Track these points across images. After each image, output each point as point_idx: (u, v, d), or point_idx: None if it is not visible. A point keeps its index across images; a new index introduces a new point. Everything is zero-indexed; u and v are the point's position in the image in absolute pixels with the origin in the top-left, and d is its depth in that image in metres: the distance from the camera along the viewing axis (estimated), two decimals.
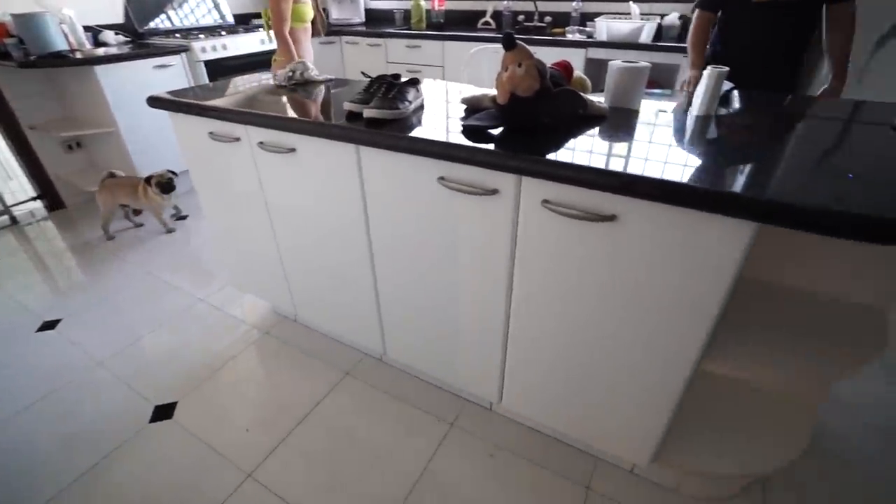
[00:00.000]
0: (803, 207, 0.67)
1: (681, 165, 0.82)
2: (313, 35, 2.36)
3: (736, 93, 1.37)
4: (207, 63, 2.86)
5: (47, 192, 2.87)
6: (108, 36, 2.77)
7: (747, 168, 0.82)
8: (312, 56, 2.42)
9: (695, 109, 1.14)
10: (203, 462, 1.35)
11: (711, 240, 0.78)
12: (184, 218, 2.78)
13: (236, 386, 1.62)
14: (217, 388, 1.61)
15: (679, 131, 1.03)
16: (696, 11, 1.84)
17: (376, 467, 1.33)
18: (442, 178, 1.00)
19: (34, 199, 2.86)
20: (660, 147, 0.92)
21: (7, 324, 1.93)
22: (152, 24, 3.08)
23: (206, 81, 2.83)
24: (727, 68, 1.10)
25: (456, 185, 0.98)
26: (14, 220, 2.77)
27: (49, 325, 1.92)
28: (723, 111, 1.17)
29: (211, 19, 3.43)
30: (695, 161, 0.86)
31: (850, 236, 0.66)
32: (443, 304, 1.24)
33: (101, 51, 2.60)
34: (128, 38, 2.88)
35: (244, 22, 3.60)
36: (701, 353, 0.91)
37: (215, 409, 1.53)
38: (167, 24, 3.17)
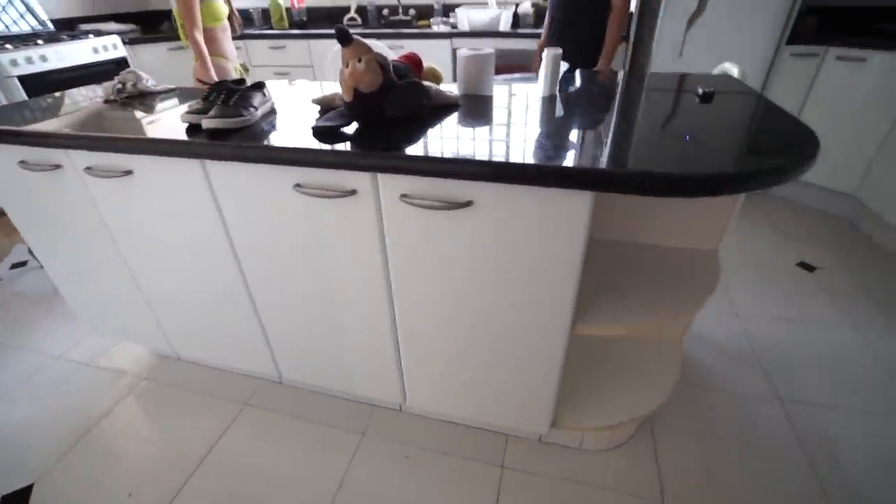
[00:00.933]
0: (627, 174, 0.74)
1: (527, 146, 0.87)
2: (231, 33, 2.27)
3: (578, 72, 1.48)
4: (23, 78, 2.42)
5: None
6: None
7: (584, 141, 0.89)
8: (234, 54, 2.32)
9: (539, 91, 1.21)
10: None
11: (559, 212, 0.83)
12: (22, 264, 2.35)
13: (112, 446, 1.41)
14: (88, 455, 1.39)
15: (526, 113, 1.08)
16: None
17: (290, 494, 1.25)
18: (298, 185, 0.95)
19: None
20: (508, 129, 0.96)
21: None
22: None
23: (24, 99, 2.40)
24: (561, 50, 1.18)
25: (313, 190, 0.94)
26: None
27: None
28: (565, 90, 1.26)
29: (26, 26, 2.91)
30: (539, 140, 0.91)
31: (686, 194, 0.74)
32: (327, 314, 1.19)
33: None
34: None
35: (69, 27, 3.12)
36: (571, 318, 0.97)
37: (87, 481, 1.32)
38: None
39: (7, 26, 2.83)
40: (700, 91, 1.14)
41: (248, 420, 1.48)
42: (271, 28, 3.34)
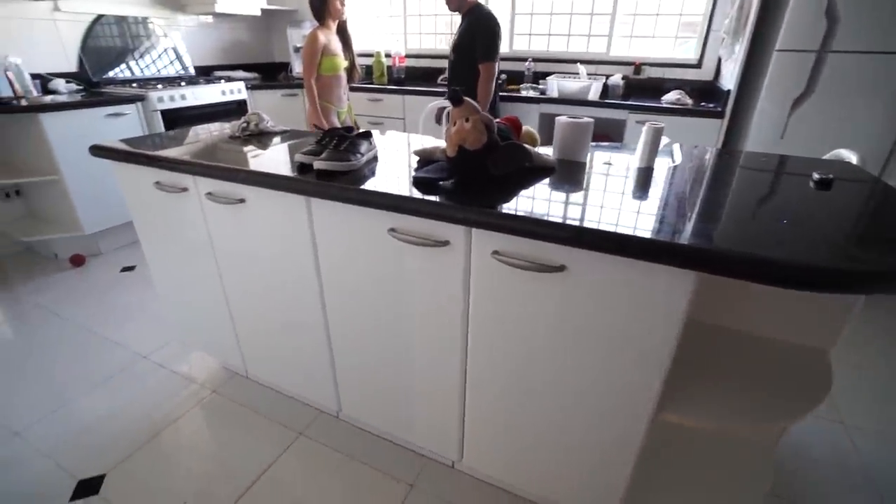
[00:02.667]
0: (743, 257, 0.70)
1: (625, 215, 0.85)
2: (349, 82, 2.69)
3: (676, 146, 1.46)
4: (165, 112, 2.82)
5: None
6: (59, 84, 2.71)
7: (688, 217, 0.85)
8: (346, 101, 2.71)
9: (636, 161, 1.20)
10: None
11: (658, 289, 0.79)
12: (130, 269, 2.63)
13: (176, 453, 1.47)
14: (154, 456, 1.46)
15: (622, 182, 1.07)
16: None
17: None
18: (393, 230, 0.99)
19: None
20: (605, 197, 0.95)
21: None
22: (110, 74, 3.05)
23: (162, 130, 2.79)
24: (663, 125, 1.17)
25: (407, 236, 0.98)
26: None
27: None
28: (664, 162, 1.24)
29: (173, 70, 3.44)
30: (637, 211, 0.89)
31: (789, 286, 0.68)
32: (398, 357, 1.20)
33: (47, 98, 2.53)
34: (80, 87, 2.83)
35: (206, 73, 3.63)
36: (656, 403, 0.90)
37: (150, 481, 1.38)
38: (126, 75, 3.15)
39: (159, 69, 3.36)
40: (817, 176, 1.07)
41: (301, 450, 1.48)
42: (372, 83, 3.67)
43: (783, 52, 2.08)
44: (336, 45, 2.54)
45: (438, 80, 3.55)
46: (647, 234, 0.77)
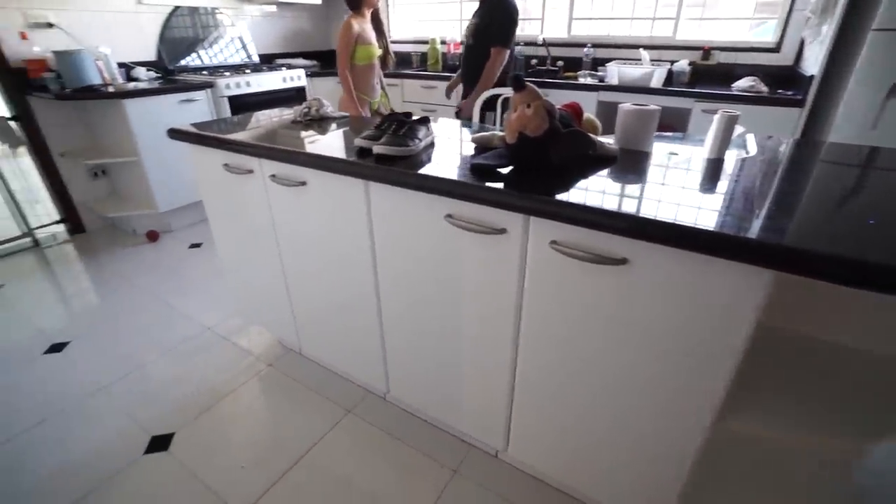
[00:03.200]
0: (825, 255, 0.65)
1: (693, 208, 0.81)
2: (382, 69, 2.70)
3: (749, 136, 1.36)
4: (231, 98, 2.98)
5: (70, 216, 2.95)
6: (140, 72, 2.92)
7: (762, 212, 0.80)
8: (378, 89, 2.71)
9: (706, 152, 1.13)
10: (195, 499, 1.30)
11: (728, 287, 0.75)
12: (197, 246, 2.82)
13: (235, 419, 1.58)
14: (216, 421, 1.57)
15: (690, 174, 1.02)
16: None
17: None
18: (449, 216, 1.00)
19: (57, 222, 2.94)
20: (671, 189, 0.90)
21: (17, 345, 1.95)
22: (183, 62, 3.25)
23: (229, 115, 2.94)
24: (738, 113, 1.09)
25: (463, 223, 0.98)
26: (36, 243, 2.84)
27: (56, 348, 1.92)
28: (734, 153, 1.16)
29: (238, 59, 3.60)
30: (707, 204, 0.84)
31: (874, 288, 0.63)
32: (449, 342, 1.21)
33: (130, 85, 2.74)
34: (158, 75, 3.03)
35: (269, 61, 3.78)
36: (719, 407, 0.86)
37: (212, 443, 1.48)
38: (197, 63, 3.33)
39: (226, 58, 3.53)
40: None
41: (349, 427, 1.54)
42: (426, 70, 3.67)
43: (881, 31, 1.87)
44: (370, 33, 2.52)
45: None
46: (718, 229, 0.72)
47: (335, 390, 1.69)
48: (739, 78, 2.62)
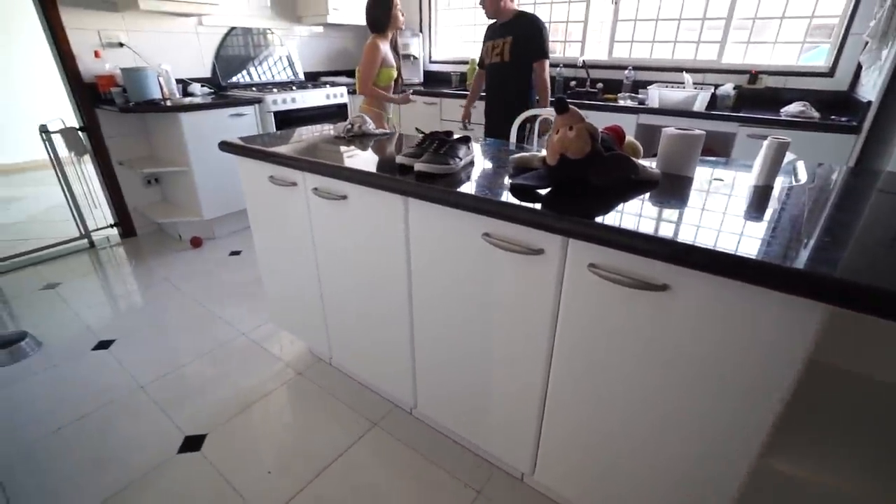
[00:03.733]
0: (888, 292, 0.61)
1: (740, 236, 0.78)
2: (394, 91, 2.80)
3: (800, 163, 1.31)
4: (276, 113, 3.11)
5: (123, 220, 3.13)
6: (196, 88, 3.10)
7: (815, 243, 0.76)
8: (391, 108, 2.81)
9: (753, 179, 1.10)
10: (222, 502, 1.33)
11: (777, 321, 0.72)
12: (237, 253, 2.93)
13: (265, 425, 1.61)
14: (246, 425, 1.60)
15: (736, 200, 0.99)
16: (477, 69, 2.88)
17: None
18: (487, 235, 1.00)
19: (111, 226, 3.13)
20: (716, 215, 0.88)
21: (68, 340, 2.06)
22: (234, 79, 3.43)
23: (274, 130, 3.08)
24: (789, 140, 1.06)
25: (501, 242, 0.98)
26: (92, 244, 3.03)
27: (103, 345, 2.02)
28: (784, 181, 1.12)
29: (285, 76, 3.78)
30: (755, 232, 0.81)
31: None
32: (479, 361, 1.20)
33: (186, 100, 2.91)
34: (211, 90, 3.21)
35: (314, 79, 3.94)
36: (762, 445, 0.81)
37: (242, 447, 1.52)
38: (246, 79, 3.52)
39: (273, 75, 3.71)
40: None
41: (374, 440, 1.54)
42: (464, 89, 3.73)
43: None
44: (390, 56, 2.58)
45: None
46: (767, 258, 0.70)
47: (362, 402, 1.70)
48: (787, 103, 2.54)
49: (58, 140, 2.73)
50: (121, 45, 2.83)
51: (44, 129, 2.69)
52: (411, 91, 3.22)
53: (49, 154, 2.75)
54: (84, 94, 2.75)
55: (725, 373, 0.80)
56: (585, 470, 1.11)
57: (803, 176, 1.19)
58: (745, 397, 0.79)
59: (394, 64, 2.63)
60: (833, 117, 2.34)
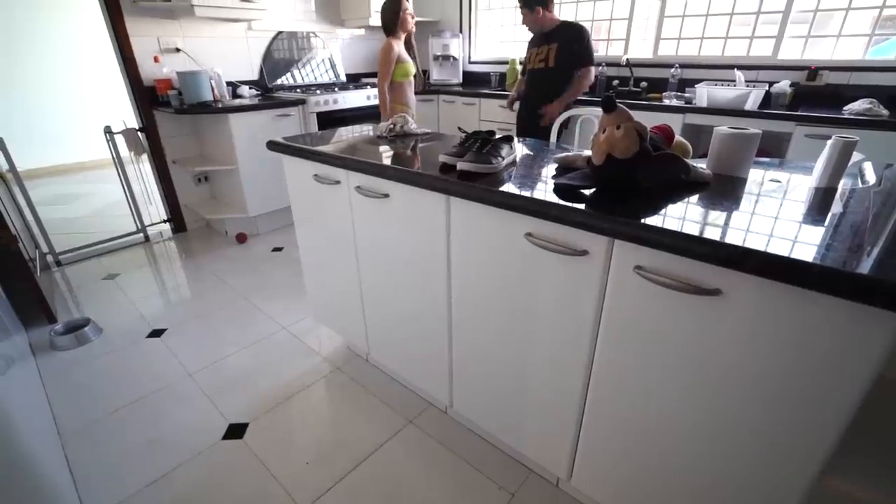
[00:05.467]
0: None
1: (800, 240, 0.74)
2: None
3: (867, 164, 1.22)
4: (319, 114, 3.20)
5: (175, 216, 3.31)
6: (244, 90, 3.23)
7: (887, 248, 0.71)
8: (414, 103, 2.93)
9: (814, 181, 1.04)
10: (263, 488, 1.38)
11: (842, 332, 0.67)
12: (279, 249, 3.03)
13: (304, 417, 1.66)
14: (286, 416, 1.66)
15: (796, 203, 0.93)
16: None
17: None
18: (529, 235, 0.99)
19: (164, 221, 3.31)
20: (773, 219, 0.83)
21: (125, 328, 2.20)
22: (279, 81, 3.56)
23: (316, 130, 3.16)
24: (856, 138, 0.99)
25: (543, 242, 0.97)
26: (147, 238, 3.22)
27: (156, 333, 2.14)
28: (848, 183, 1.05)
29: (328, 78, 3.88)
30: (817, 236, 0.76)
31: None
32: (518, 363, 1.19)
33: (236, 102, 3.04)
34: (258, 92, 3.34)
35: (355, 80, 4.02)
36: (823, 465, 0.76)
37: (282, 437, 1.57)
38: (291, 81, 3.63)
39: (316, 77, 3.81)
40: None
41: (409, 437, 1.56)
42: (504, 90, 3.71)
43: None
44: (405, 53, 2.79)
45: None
46: (833, 264, 0.65)
47: (398, 399, 1.73)
48: (850, 100, 2.38)
49: (119, 140, 2.92)
50: (177, 50, 2.99)
51: (108, 130, 2.88)
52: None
53: (111, 153, 2.94)
54: (144, 97, 2.93)
55: (781, 384, 0.76)
56: (625, 479, 1.08)
57: (871, 178, 1.11)
58: (803, 412, 0.75)
59: (408, 60, 2.80)
60: None
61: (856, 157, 1.22)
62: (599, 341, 0.98)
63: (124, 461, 1.48)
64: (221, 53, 3.21)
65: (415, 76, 2.89)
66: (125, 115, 3.01)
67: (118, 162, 2.97)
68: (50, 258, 2.85)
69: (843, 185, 1.03)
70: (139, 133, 2.97)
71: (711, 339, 0.81)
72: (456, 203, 1.14)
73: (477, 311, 1.23)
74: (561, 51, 2.58)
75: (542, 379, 1.15)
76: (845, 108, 2.34)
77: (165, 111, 2.92)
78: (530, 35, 2.77)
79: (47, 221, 2.83)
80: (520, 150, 1.42)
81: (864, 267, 0.65)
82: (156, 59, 2.90)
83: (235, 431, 1.59)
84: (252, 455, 1.49)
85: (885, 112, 2.22)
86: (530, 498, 1.34)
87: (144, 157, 3.04)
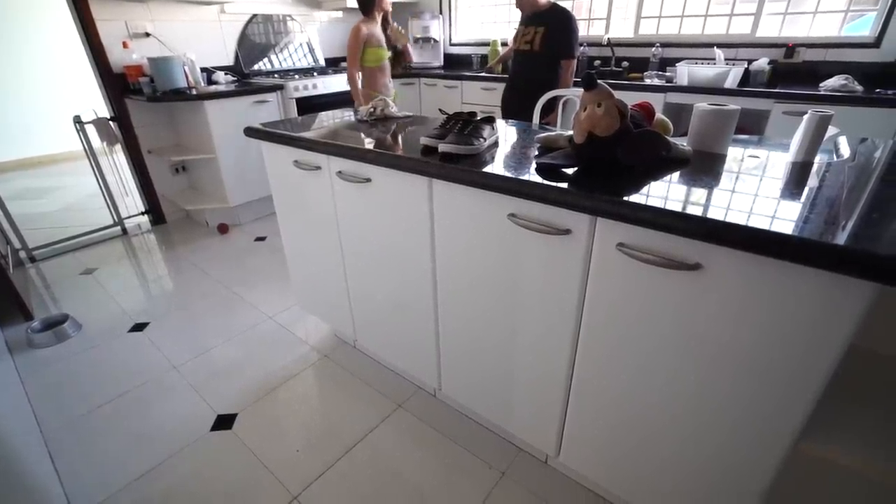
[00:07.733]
0: None
1: (777, 213, 0.75)
2: (395, 69, 2.88)
3: (842, 138, 1.24)
4: (298, 100, 3.13)
5: (154, 208, 3.23)
6: (220, 76, 3.14)
7: (861, 219, 0.72)
8: (391, 90, 2.86)
9: (791, 155, 1.05)
10: (254, 477, 1.38)
11: (818, 301, 0.69)
12: (262, 239, 2.99)
13: (292, 405, 1.65)
14: (274, 405, 1.65)
15: (773, 177, 0.95)
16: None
17: None
18: (513, 215, 0.99)
19: (142, 213, 3.22)
20: (752, 193, 0.85)
21: (106, 323, 2.15)
22: (256, 67, 3.46)
23: (296, 116, 3.10)
24: (832, 112, 1.01)
25: (527, 222, 0.97)
26: (124, 231, 3.13)
27: (139, 328, 2.11)
28: (824, 157, 1.06)
29: (306, 62, 3.78)
30: (794, 209, 0.78)
31: None
32: (504, 343, 1.20)
33: (211, 88, 2.95)
34: (234, 78, 3.25)
35: (334, 64, 3.93)
36: (797, 432, 0.79)
37: (271, 426, 1.56)
38: (268, 67, 3.54)
39: (294, 62, 3.72)
40: None
41: (399, 421, 1.57)
42: (486, 71, 3.67)
43: None
44: (379, 36, 2.67)
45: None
46: (809, 234, 0.67)
47: (387, 384, 1.73)
48: (825, 77, 2.41)
49: (91, 131, 2.82)
50: (147, 34, 2.88)
51: (77, 120, 2.77)
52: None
53: (83, 144, 2.84)
54: (114, 85, 2.82)
55: (760, 355, 0.77)
56: (611, 452, 1.10)
57: (846, 151, 1.13)
58: (780, 380, 0.77)
59: (382, 45, 2.70)
60: (878, 91, 2.22)
61: (831, 131, 1.24)
62: (584, 318, 0.99)
63: (111, 457, 1.46)
64: (194, 38, 3.09)
65: (398, 57, 2.82)
66: (96, 105, 2.90)
67: (90, 153, 2.87)
68: (23, 254, 2.77)
69: (820, 159, 1.04)
70: (111, 122, 2.87)
71: (693, 313, 0.82)
72: (438, 185, 1.13)
73: (462, 293, 1.24)
74: (546, 37, 2.51)
75: (529, 358, 1.16)
76: (821, 84, 2.38)
77: (138, 99, 2.82)
78: (513, 14, 2.71)
79: (19, 216, 2.73)
80: (502, 130, 1.41)
81: (840, 238, 0.66)
82: (125, 45, 2.79)
83: (224, 422, 1.58)
84: (242, 445, 1.49)
85: (859, 88, 2.26)
86: (520, 475, 1.36)
87: (118, 147, 2.94)
